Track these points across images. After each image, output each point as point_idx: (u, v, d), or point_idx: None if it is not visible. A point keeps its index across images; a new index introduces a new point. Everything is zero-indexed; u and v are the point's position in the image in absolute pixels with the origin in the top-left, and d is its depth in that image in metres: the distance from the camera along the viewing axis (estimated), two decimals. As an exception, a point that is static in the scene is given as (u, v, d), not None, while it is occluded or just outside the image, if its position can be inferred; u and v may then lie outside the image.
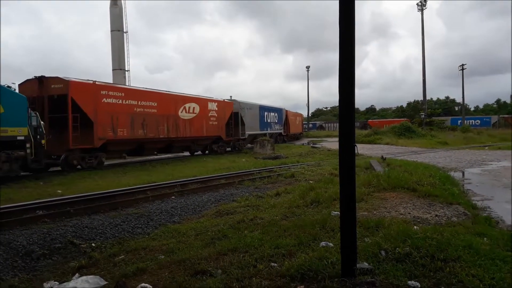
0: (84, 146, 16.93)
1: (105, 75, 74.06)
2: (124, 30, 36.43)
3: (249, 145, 33.54)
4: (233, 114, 28.60)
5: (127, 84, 33.02)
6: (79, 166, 17.02)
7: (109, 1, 35.88)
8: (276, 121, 39.41)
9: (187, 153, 26.66)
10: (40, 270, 5.69)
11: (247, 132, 30.73)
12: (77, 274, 5.13)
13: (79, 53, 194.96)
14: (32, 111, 15.01)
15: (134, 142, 20.05)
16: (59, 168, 16.74)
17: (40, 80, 16.40)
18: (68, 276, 5.16)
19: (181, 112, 22.97)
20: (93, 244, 6.76)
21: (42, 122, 15.39)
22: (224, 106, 27.80)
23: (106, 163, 20.43)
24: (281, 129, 41.84)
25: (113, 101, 18.15)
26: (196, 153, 26.70)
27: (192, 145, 25.18)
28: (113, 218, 8.24)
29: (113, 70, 36.01)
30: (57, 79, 16.38)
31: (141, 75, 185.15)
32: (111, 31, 35.99)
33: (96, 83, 17.49)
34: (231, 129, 28.64)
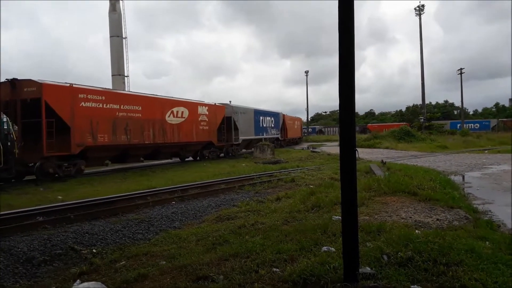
0: (60, 153, 15.87)
1: (105, 81, 74.19)
2: (123, 36, 36.54)
3: (243, 151, 32.87)
4: (225, 118, 27.69)
5: (126, 89, 33.03)
6: (56, 175, 15.97)
7: (108, 6, 36.02)
8: (272, 125, 38.64)
9: (177, 159, 25.86)
10: (41, 277, 5.66)
11: (241, 137, 29.77)
12: (78, 280, 5.11)
13: (79, 58, 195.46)
14: (4, 116, 14.32)
15: (116, 149, 19.01)
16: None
17: (13, 83, 15.46)
18: (69, 282, 5.13)
19: (169, 116, 21.95)
20: (94, 250, 6.73)
21: (15, 127, 14.71)
22: (216, 110, 26.90)
23: (107, 168, 20.42)
24: (278, 134, 40.99)
25: (93, 105, 17.16)
26: (187, 159, 25.76)
27: (180, 151, 24.18)
28: (114, 224, 8.22)
29: (112, 76, 36.08)
30: (29, 82, 15.49)
31: (139, 80, 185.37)
32: (110, 36, 36.10)
33: (73, 86, 16.53)
34: (224, 134, 27.77)
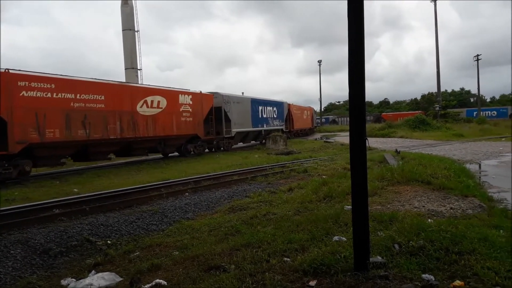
0: None
1: (120, 75, 74.85)
2: (136, 29, 36.66)
3: (240, 144, 30.58)
4: (214, 109, 24.70)
5: (139, 82, 33.19)
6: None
7: (120, 1, 36.13)
8: (275, 116, 35.26)
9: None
10: (58, 268, 5.79)
11: (235, 130, 26.70)
12: (93, 271, 5.23)
13: (93, 53, 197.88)
14: None
15: (72, 145, 16.11)
16: (76, 167, 16.41)
17: None
18: (84, 273, 5.25)
19: (141, 107, 18.96)
20: (108, 242, 6.85)
21: None
22: (202, 99, 23.71)
23: (120, 161, 20.61)
24: (282, 125, 37.08)
25: (38, 95, 14.45)
26: (171, 155, 23.22)
27: (159, 146, 21.17)
28: (128, 215, 8.33)
29: (125, 69, 36.30)
30: None
31: (152, 73, 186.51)
32: (123, 30, 36.21)
33: (10, 71, 13.82)
34: (212, 126, 24.69)
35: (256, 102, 31.49)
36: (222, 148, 26.36)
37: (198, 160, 20.62)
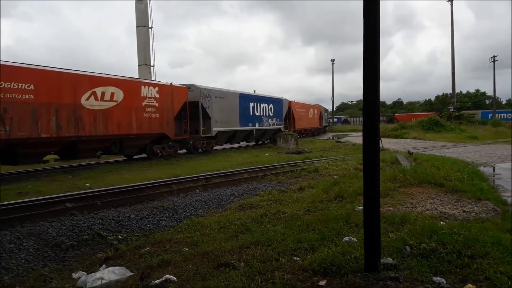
0: None
1: (128, 71, 75.24)
2: (150, 26, 36.86)
3: (227, 145, 27.67)
4: (188, 104, 21.45)
5: (152, 79, 33.33)
6: None
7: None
8: (271, 114, 31.35)
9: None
10: (69, 261, 5.87)
11: (215, 129, 23.52)
12: (104, 265, 5.28)
13: (101, 49, 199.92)
14: None
15: None
16: (88, 162, 16.42)
17: None
18: (95, 267, 5.31)
19: (87, 99, 15.72)
20: (119, 236, 6.91)
21: None
22: (172, 92, 20.24)
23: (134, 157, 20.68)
24: (281, 124, 33.13)
25: None
26: (136, 157, 20.33)
27: (113, 147, 17.80)
28: (139, 211, 8.40)
29: (138, 65, 36.53)
30: None
31: (163, 70, 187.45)
32: (137, 26, 36.42)
33: None
34: (185, 124, 21.43)
35: (246, 98, 27.96)
36: (200, 150, 23.22)
37: (208, 158, 20.69)
